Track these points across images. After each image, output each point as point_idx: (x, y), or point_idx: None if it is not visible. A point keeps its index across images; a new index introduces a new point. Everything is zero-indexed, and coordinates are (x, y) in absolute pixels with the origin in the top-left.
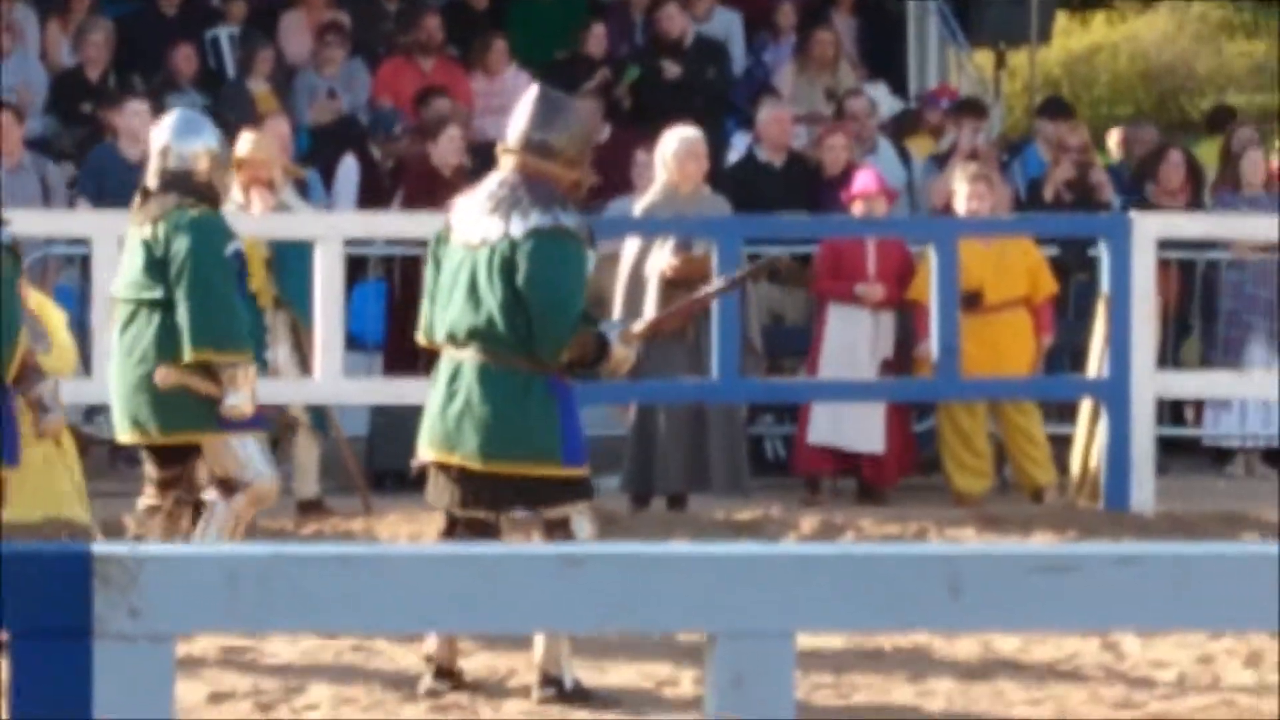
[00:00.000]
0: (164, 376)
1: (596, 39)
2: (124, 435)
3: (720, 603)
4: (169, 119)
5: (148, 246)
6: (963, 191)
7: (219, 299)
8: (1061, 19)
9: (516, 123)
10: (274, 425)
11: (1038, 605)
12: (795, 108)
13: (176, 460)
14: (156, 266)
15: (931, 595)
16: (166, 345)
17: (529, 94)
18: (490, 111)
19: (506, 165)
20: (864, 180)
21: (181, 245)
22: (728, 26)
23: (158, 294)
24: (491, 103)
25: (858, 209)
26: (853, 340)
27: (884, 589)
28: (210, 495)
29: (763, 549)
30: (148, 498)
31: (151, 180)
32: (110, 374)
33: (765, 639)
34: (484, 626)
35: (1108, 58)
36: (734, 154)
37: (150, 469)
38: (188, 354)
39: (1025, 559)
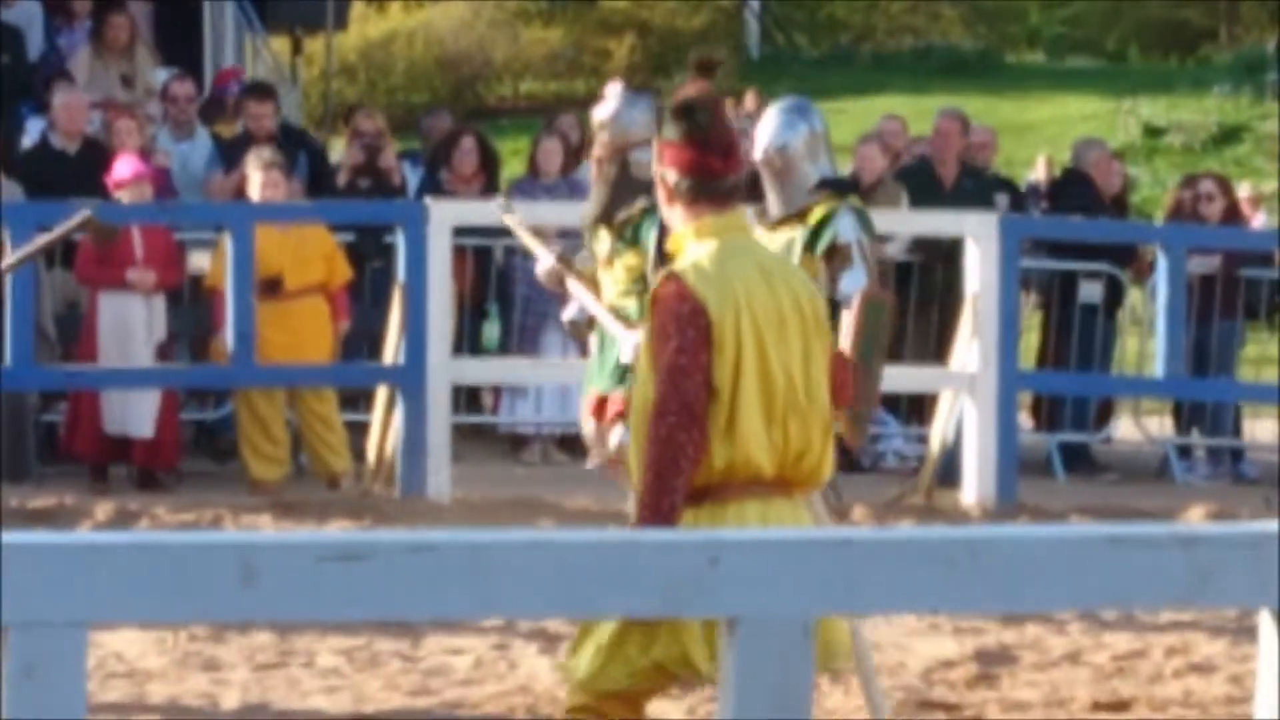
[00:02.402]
0: None
1: None
2: None
3: (12, 593)
4: None
5: None
6: (256, 179)
7: None
8: (358, 6)
9: None
10: None
11: (331, 594)
12: (90, 93)
13: None
14: None
15: (224, 584)
16: None
17: None
18: None
19: None
20: (125, 167)
21: None
22: (30, 13)
23: None
24: None
25: (125, 196)
26: (127, 326)
27: (177, 578)
28: None
29: (54, 538)
30: None
31: None
32: None
33: (57, 629)
34: None
35: (404, 45)
36: (29, 139)
37: None
38: None
39: (318, 547)
